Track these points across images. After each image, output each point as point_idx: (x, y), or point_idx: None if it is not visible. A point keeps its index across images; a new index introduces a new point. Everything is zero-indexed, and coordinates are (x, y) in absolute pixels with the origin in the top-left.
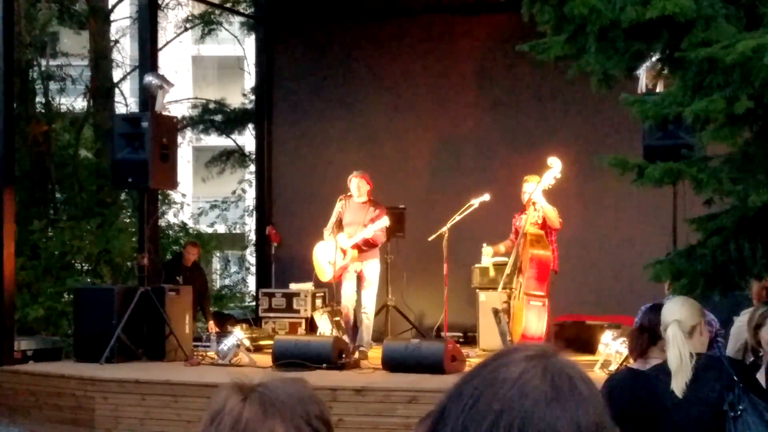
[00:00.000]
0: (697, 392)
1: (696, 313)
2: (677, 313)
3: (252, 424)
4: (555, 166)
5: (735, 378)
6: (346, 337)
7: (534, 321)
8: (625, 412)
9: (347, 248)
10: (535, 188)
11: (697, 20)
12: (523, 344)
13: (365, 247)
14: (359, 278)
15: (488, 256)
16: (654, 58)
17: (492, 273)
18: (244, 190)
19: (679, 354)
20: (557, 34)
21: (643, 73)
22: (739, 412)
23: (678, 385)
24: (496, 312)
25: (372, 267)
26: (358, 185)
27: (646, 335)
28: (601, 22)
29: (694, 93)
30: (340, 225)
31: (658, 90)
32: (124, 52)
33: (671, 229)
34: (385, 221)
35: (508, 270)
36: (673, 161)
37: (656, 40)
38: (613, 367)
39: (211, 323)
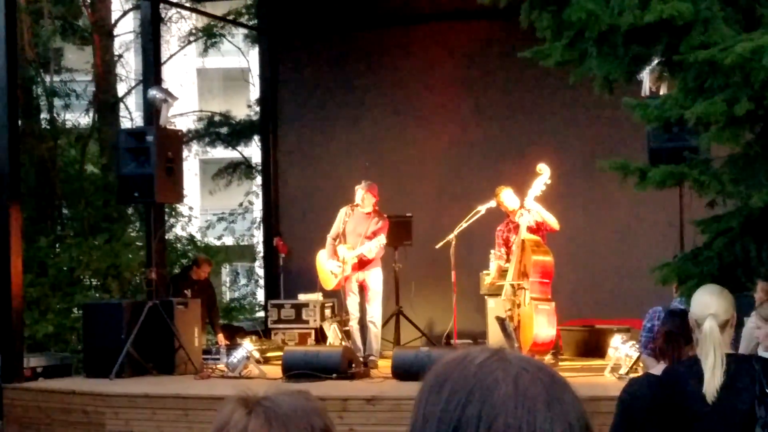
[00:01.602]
0: (728, 402)
1: (731, 306)
2: (713, 305)
3: None
4: (544, 172)
5: (767, 391)
6: (359, 344)
7: (544, 325)
8: (649, 418)
9: (347, 260)
10: (518, 197)
11: (696, 23)
12: (469, 353)
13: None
14: (363, 288)
15: (494, 278)
16: (655, 62)
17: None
18: (251, 202)
19: (713, 354)
20: (557, 40)
21: (646, 77)
22: None
23: (710, 390)
24: (501, 320)
25: (375, 276)
26: (363, 197)
27: (683, 339)
28: (599, 27)
29: (695, 95)
30: (344, 233)
31: (661, 93)
32: (128, 66)
33: (678, 230)
34: (382, 239)
35: (509, 277)
36: (678, 164)
37: (656, 43)
38: (623, 371)
39: (221, 336)
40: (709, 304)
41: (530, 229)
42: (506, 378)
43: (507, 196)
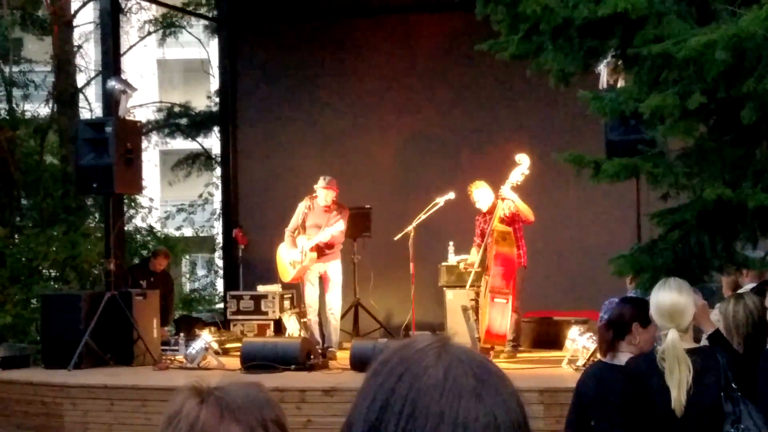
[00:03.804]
0: (695, 398)
1: (692, 303)
2: (675, 314)
3: (208, 427)
4: (523, 162)
5: (733, 385)
6: (317, 337)
7: (498, 319)
8: (598, 404)
9: (306, 250)
10: (491, 191)
11: (650, 17)
12: (416, 338)
13: (326, 249)
14: (323, 280)
15: (467, 267)
16: (611, 55)
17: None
18: (210, 193)
19: (677, 371)
20: (512, 33)
21: (603, 70)
22: (740, 431)
23: (677, 405)
24: (465, 309)
25: (335, 268)
26: (325, 195)
27: (612, 331)
28: (554, 21)
29: (649, 89)
30: (303, 226)
31: (618, 86)
32: (88, 57)
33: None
34: (340, 225)
35: (475, 267)
36: (633, 156)
37: (610, 37)
38: (580, 362)
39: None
40: (671, 313)
41: (505, 220)
42: (437, 365)
43: (479, 196)
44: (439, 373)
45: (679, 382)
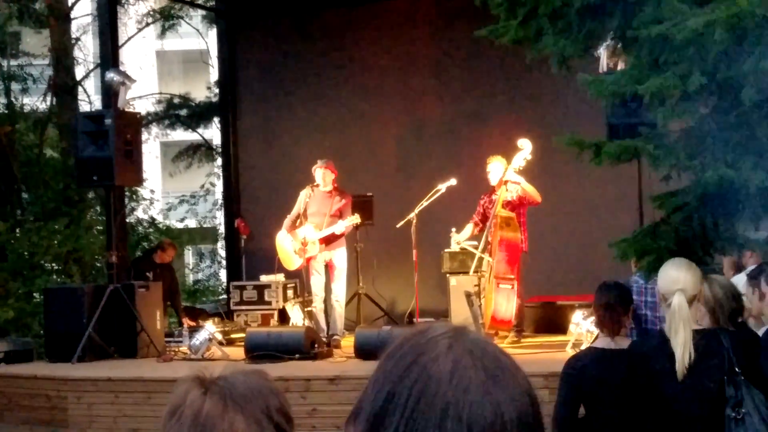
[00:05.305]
0: (698, 380)
1: (699, 280)
2: (682, 280)
3: (212, 417)
4: (525, 147)
5: (737, 369)
6: (323, 325)
7: (503, 304)
8: (596, 389)
9: (315, 241)
10: (504, 170)
11: None
12: (431, 326)
13: (332, 237)
14: (328, 268)
15: (457, 243)
16: (610, 37)
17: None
18: (212, 184)
19: (683, 330)
20: (511, 18)
21: (603, 53)
22: (741, 415)
23: (680, 367)
24: (468, 295)
25: (340, 255)
26: (323, 175)
27: (621, 309)
28: (553, 4)
29: (649, 70)
30: (305, 215)
31: (618, 69)
32: (86, 49)
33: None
34: (355, 219)
35: (478, 253)
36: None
37: (609, 19)
38: (584, 347)
39: (186, 319)
40: (677, 279)
41: (511, 204)
42: (447, 356)
43: (492, 169)
44: (448, 365)
45: (684, 342)
